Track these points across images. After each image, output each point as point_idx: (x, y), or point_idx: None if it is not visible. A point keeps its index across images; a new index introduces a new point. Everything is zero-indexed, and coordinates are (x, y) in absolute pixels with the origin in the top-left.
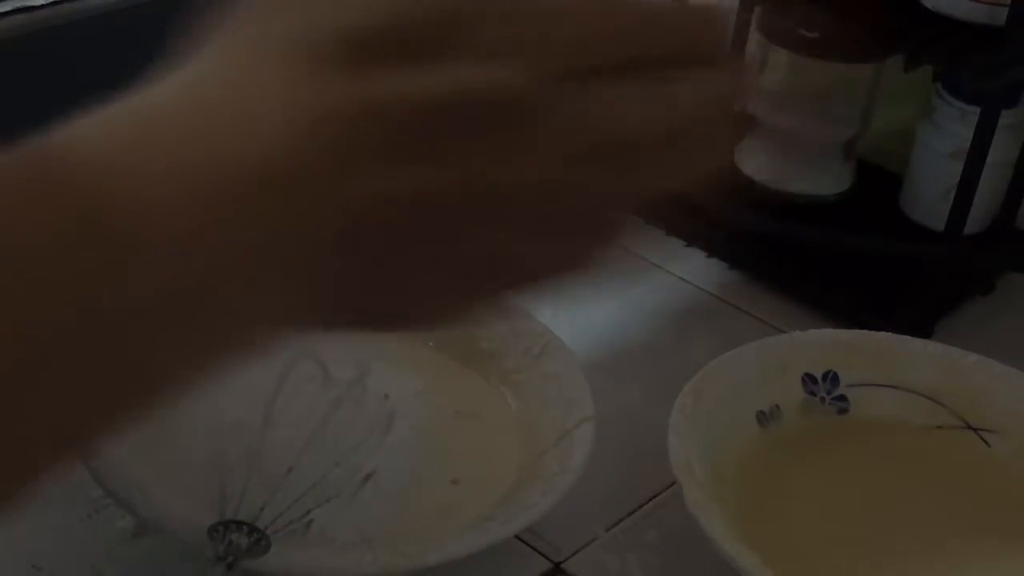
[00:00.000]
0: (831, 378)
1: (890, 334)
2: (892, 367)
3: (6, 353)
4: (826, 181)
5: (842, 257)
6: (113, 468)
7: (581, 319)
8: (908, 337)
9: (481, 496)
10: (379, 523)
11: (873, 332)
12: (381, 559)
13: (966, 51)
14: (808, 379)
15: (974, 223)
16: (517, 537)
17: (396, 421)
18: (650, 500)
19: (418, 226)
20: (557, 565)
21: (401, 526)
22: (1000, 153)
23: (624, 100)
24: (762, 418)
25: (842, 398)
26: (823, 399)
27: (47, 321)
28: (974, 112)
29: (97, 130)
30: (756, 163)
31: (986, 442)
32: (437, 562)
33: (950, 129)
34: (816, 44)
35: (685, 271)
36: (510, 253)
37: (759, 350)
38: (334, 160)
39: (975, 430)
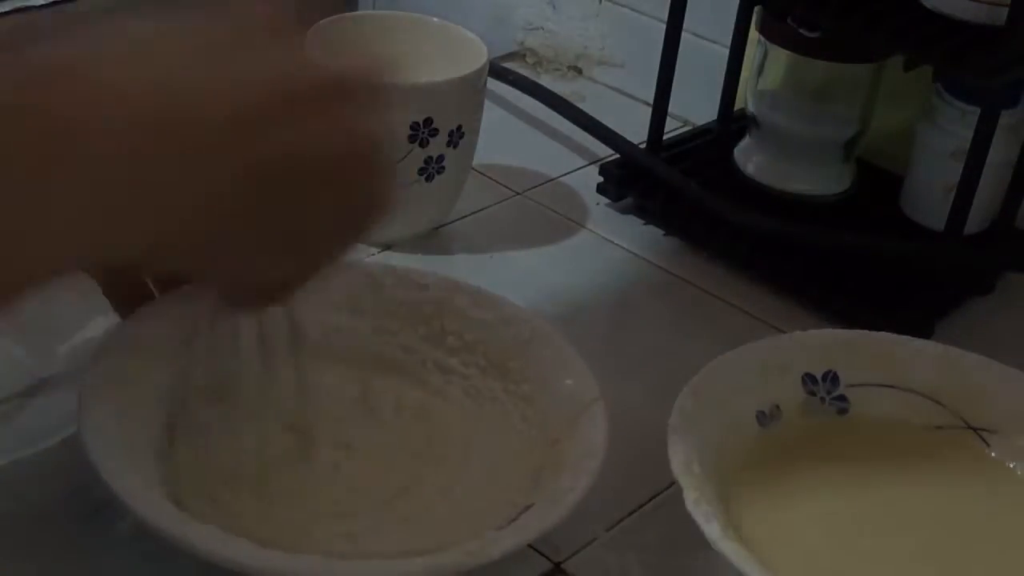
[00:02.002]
0: (831, 378)
1: (890, 334)
2: (892, 367)
3: None
4: (826, 181)
5: (842, 257)
6: (114, 472)
7: (581, 319)
8: (908, 337)
9: (504, 491)
10: (405, 534)
11: (873, 332)
12: (414, 567)
13: (966, 51)
14: (808, 379)
15: (974, 223)
16: None
17: (403, 429)
18: (650, 500)
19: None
20: (557, 565)
21: (425, 530)
22: (1000, 153)
23: None
24: (762, 418)
25: (842, 398)
26: (823, 399)
27: None
28: (974, 112)
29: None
30: (756, 163)
31: (986, 442)
32: (492, 559)
33: (950, 129)
34: (816, 44)
35: (685, 271)
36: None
37: (759, 350)
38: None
39: (975, 430)
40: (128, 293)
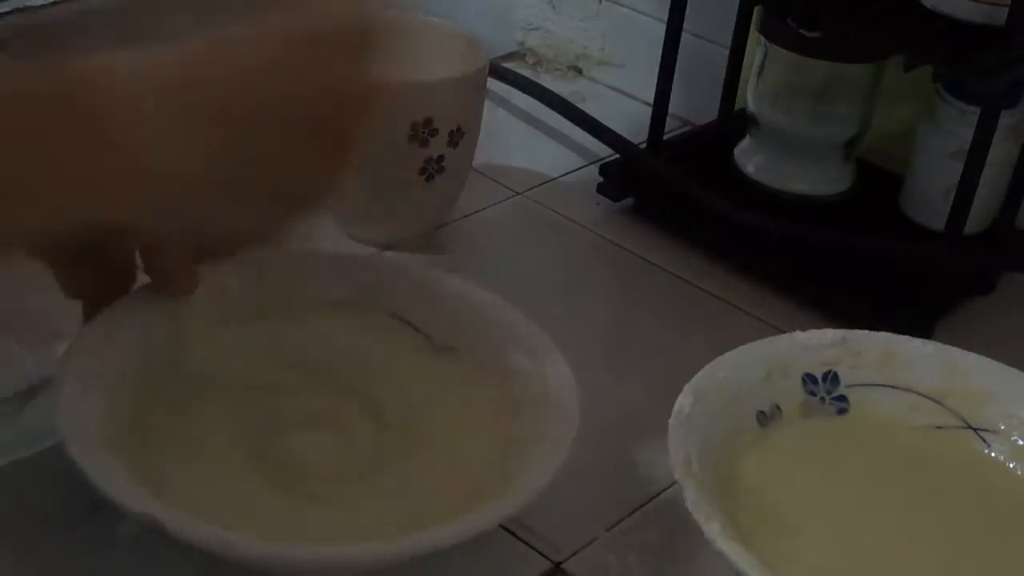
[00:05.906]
0: (831, 378)
1: (890, 334)
2: (892, 367)
3: None
4: (826, 181)
5: (842, 257)
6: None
7: (581, 319)
8: (908, 337)
9: (469, 479)
10: (381, 523)
11: (873, 332)
12: (386, 549)
13: (966, 51)
14: (808, 379)
15: (974, 223)
16: (517, 537)
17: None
18: (650, 500)
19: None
20: (557, 565)
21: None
22: (1000, 153)
23: None
24: (762, 418)
25: (842, 398)
26: (823, 399)
27: None
28: (974, 112)
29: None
30: (756, 163)
31: (986, 442)
32: (454, 542)
33: (950, 129)
34: (816, 44)
35: (685, 271)
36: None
37: (759, 350)
38: None
39: (975, 430)
40: (92, 296)
